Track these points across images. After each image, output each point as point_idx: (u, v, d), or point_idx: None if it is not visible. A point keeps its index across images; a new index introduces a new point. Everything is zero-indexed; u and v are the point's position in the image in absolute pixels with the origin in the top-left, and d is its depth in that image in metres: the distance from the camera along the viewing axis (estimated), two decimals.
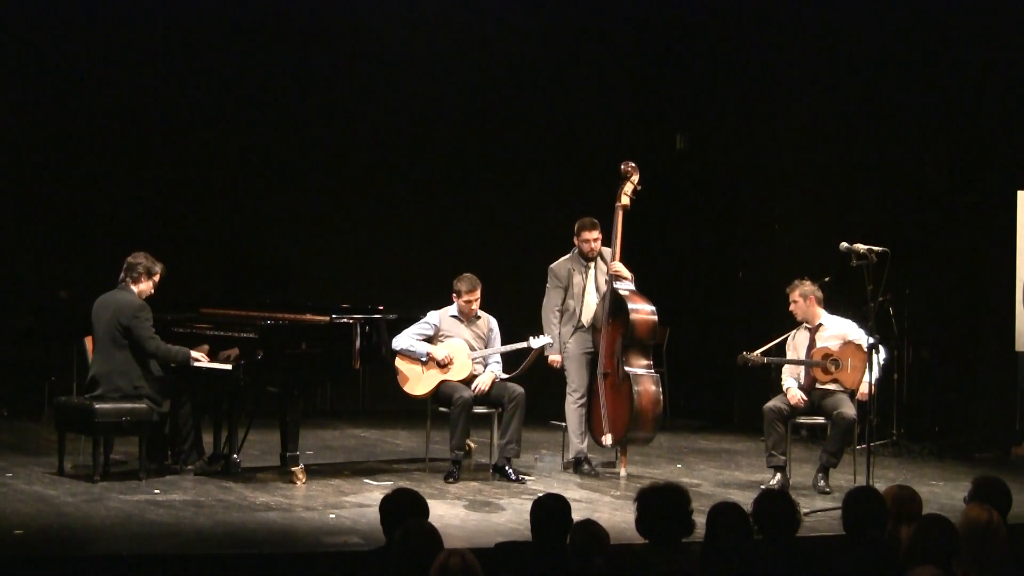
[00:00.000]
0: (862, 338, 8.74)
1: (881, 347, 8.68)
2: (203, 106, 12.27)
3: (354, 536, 6.97)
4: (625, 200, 9.37)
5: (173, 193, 12.24)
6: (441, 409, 8.99)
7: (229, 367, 8.44)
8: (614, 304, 9.21)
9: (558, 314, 9.33)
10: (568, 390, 9.32)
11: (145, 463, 8.38)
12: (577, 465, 9.26)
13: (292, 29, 12.48)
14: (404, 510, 5.15)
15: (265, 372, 8.45)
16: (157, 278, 8.52)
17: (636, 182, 9.39)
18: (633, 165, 9.41)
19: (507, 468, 8.90)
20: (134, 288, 8.44)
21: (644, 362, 9.26)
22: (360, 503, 7.91)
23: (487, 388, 9.00)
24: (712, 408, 12.87)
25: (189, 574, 6.44)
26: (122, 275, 8.48)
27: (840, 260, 8.50)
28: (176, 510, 7.54)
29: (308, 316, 8.94)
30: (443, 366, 8.99)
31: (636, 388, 9.09)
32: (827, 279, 9.52)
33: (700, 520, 5.12)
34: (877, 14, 11.87)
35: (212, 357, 8.54)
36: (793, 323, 9.18)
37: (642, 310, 9.22)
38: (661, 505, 5.06)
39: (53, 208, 11.90)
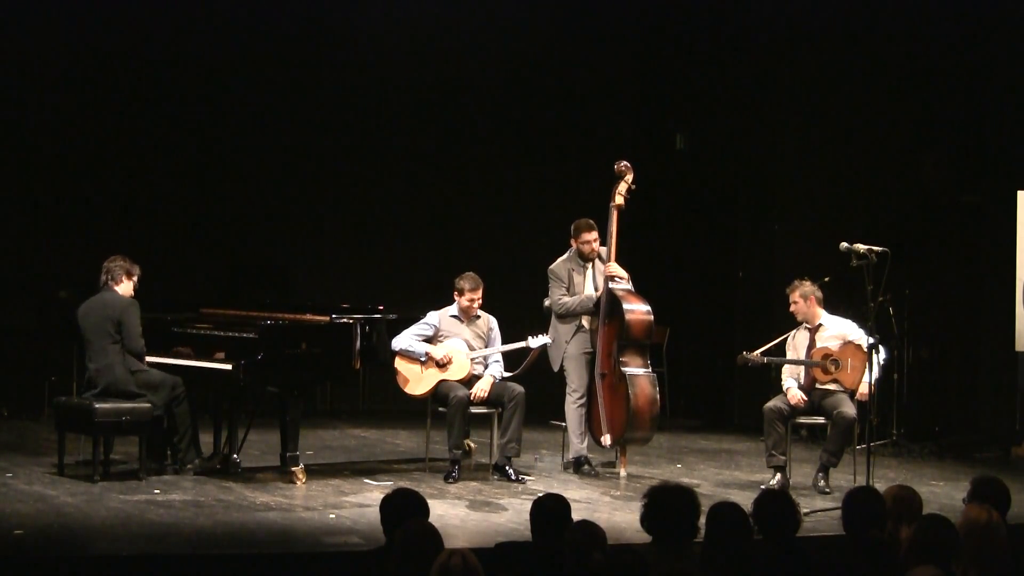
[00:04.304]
0: (862, 338, 8.74)
1: (881, 347, 8.67)
2: (203, 106, 12.26)
3: (354, 536, 6.97)
4: (619, 200, 9.36)
5: (173, 193, 12.24)
6: (440, 409, 8.98)
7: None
8: (610, 304, 9.21)
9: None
10: (568, 390, 9.31)
11: (145, 463, 8.38)
12: (577, 465, 9.26)
13: (292, 30, 12.48)
14: (404, 510, 5.15)
15: (265, 372, 8.45)
16: (136, 279, 8.60)
17: (630, 181, 9.38)
18: (627, 164, 9.41)
19: (507, 468, 8.90)
20: (118, 289, 8.51)
21: (641, 362, 9.25)
22: (360, 503, 7.91)
23: (485, 395, 8.99)
24: (712, 408, 12.87)
25: (189, 574, 6.44)
26: (103, 278, 8.56)
27: (840, 260, 8.50)
28: (176, 510, 7.54)
29: (308, 316, 8.94)
30: (442, 366, 8.99)
31: (632, 388, 9.09)
32: (827, 279, 9.51)
33: (700, 521, 5.12)
34: (877, 14, 11.87)
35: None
36: (793, 323, 9.18)
37: (638, 310, 9.21)
38: (670, 504, 5.05)
39: (53, 208, 11.91)
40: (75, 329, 8.62)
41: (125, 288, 8.55)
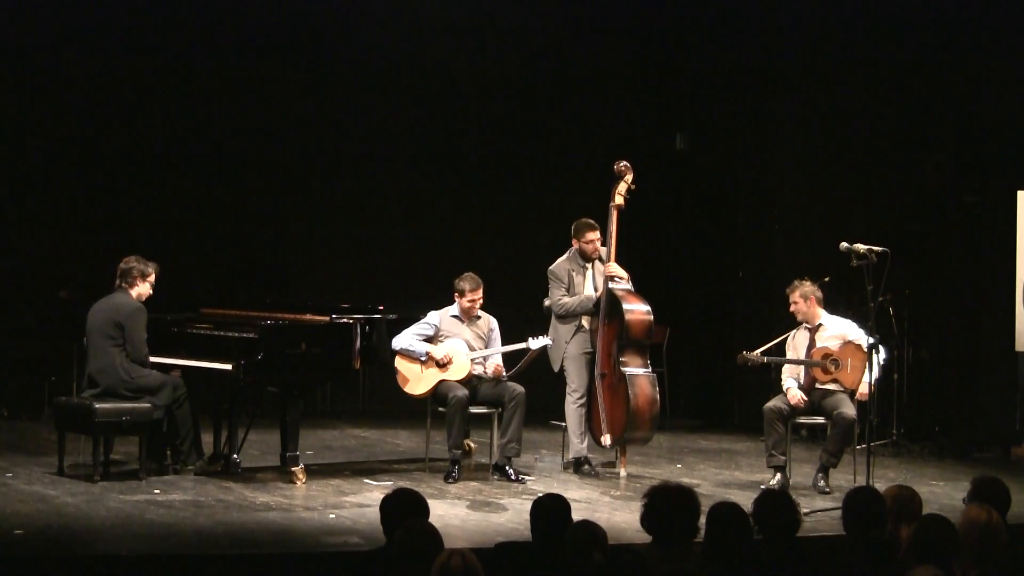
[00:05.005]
0: (862, 338, 8.74)
1: (881, 347, 8.68)
2: (203, 106, 12.26)
3: (354, 536, 6.97)
4: (619, 200, 9.37)
5: (173, 193, 12.23)
6: (440, 409, 8.98)
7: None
8: (610, 304, 9.22)
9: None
10: (568, 390, 9.32)
11: (145, 463, 8.38)
12: (577, 465, 9.26)
13: (291, 29, 12.47)
14: (404, 510, 5.15)
15: (265, 372, 8.45)
16: (152, 278, 8.56)
17: (630, 181, 9.38)
18: (626, 164, 9.41)
19: (507, 468, 8.90)
20: (132, 292, 8.48)
21: (640, 362, 9.25)
22: (360, 503, 7.91)
23: (502, 370, 9.02)
24: (712, 408, 12.86)
25: (189, 574, 6.44)
26: (117, 281, 8.52)
27: (840, 260, 8.50)
28: (176, 510, 7.54)
29: (308, 316, 8.94)
30: (442, 366, 8.99)
31: (632, 389, 9.09)
32: (827, 279, 9.52)
33: (700, 521, 5.12)
34: (877, 14, 11.87)
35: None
36: (793, 323, 9.18)
37: (637, 310, 9.22)
38: (670, 504, 5.06)
39: (53, 208, 11.90)
40: (81, 327, 8.62)
41: (141, 290, 8.50)
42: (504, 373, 9.08)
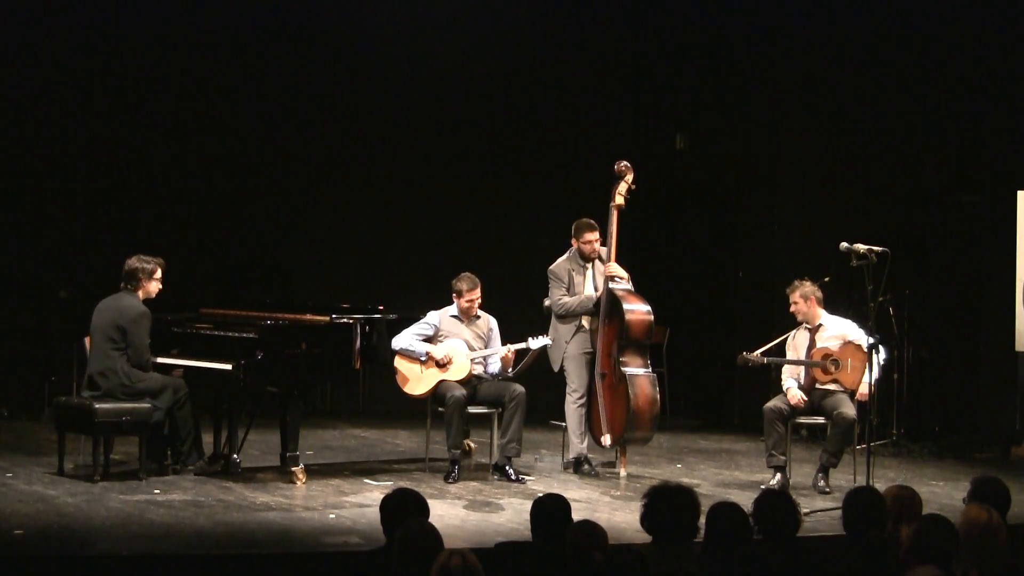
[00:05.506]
0: (862, 338, 8.74)
1: (881, 347, 8.68)
2: (203, 105, 12.26)
3: (354, 536, 6.97)
4: (619, 200, 9.37)
5: (173, 193, 12.23)
6: (440, 409, 8.98)
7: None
8: (610, 304, 9.22)
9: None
10: (568, 390, 9.32)
11: (145, 463, 8.38)
12: (577, 465, 9.26)
13: (292, 30, 12.48)
14: (404, 510, 5.15)
15: (265, 372, 8.45)
16: (159, 274, 8.53)
17: (630, 182, 9.39)
18: (627, 164, 9.42)
19: (507, 468, 8.90)
20: (139, 293, 8.46)
21: (641, 362, 9.25)
22: (360, 503, 7.91)
23: (513, 353, 9.02)
24: (712, 408, 12.86)
25: (189, 574, 6.44)
26: (122, 283, 8.49)
27: (840, 260, 8.50)
28: (176, 510, 7.54)
29: (308, 316, 8.94)
30: (442, 366, 8.99)
31: (632, 389, 9.09)
32: (827, 279, 9.51)
33: (700, 521, 5.12)
34: (877, 14, 11.87)
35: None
36: (793, 323, 9.18)
37: (638, 310, 9.22)
38: (670, 504, 5.06)
39: (53, 208, 11.90)
40: (80, 327, 8.60)
41: (151, 287, 8.48)
42: (512, 362, 9.08)
